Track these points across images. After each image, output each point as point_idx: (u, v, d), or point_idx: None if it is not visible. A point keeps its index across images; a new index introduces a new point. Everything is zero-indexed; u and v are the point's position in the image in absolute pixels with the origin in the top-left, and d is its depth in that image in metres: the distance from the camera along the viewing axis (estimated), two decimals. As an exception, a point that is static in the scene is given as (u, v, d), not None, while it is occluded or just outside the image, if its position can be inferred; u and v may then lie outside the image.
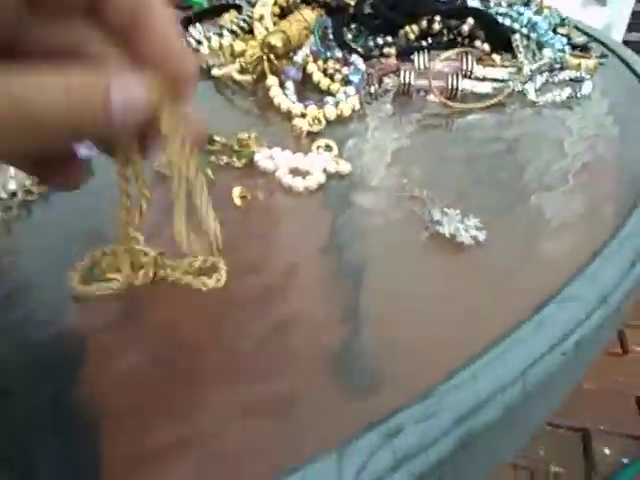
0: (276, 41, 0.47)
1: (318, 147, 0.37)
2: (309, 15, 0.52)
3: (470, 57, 0.47)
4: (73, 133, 0.18)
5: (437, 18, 0.53)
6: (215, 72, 0.49)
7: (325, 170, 0.35)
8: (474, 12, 0.52)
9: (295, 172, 0.35)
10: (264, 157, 0.36)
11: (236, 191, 0.32)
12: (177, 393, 0.22)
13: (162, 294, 0.26)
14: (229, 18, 0.58)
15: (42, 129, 0.17)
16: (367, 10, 0.54)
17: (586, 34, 0.67)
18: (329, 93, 0.46)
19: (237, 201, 0.32)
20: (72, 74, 0.18)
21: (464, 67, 0.47)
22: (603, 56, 0.57)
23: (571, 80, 0.51)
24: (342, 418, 0.20)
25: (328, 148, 0.37)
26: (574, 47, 0.57)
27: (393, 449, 0.19)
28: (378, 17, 0.54)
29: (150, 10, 0.20)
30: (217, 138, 0.38)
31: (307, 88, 0.48)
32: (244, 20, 0.57)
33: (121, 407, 0.21)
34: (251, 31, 0.55)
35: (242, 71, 0.49)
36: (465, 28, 0.51)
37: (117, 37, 0.20)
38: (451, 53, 0.45)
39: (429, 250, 0.30)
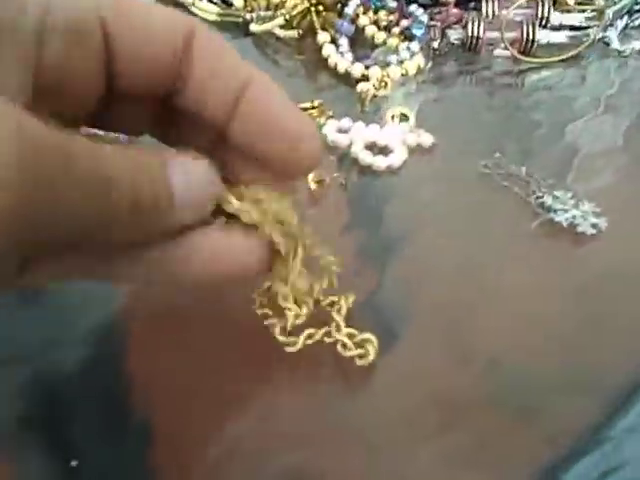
0: (323, -9, 0.42)
1: (393, 116, 0.32)
2: (356, -41, 0.46)
3: (546, 2, 0.41)
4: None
5: (500, -43, 0.47)
6: (254, 28, 0.44)
7: (405, 143, 0.30)
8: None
9: (372, 147, 0.30)
10: (333, 130, 0.31)
11: (311, 174, 0.28)
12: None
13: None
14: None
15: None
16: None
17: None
18: (385, 48, 0.41)
19: (312, 186, 0.28)
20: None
21: (539, 14, 0.41)
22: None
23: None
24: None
25: (404, 118, 0.32)
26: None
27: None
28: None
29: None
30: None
31: (359, 43, 0.43)
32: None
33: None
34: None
35: (285, 26, 0.44)
36: (534, -31, 0.45)
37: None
38: (519, 4, 0.40)
39: (543, 242, 0.26)
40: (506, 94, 0.38)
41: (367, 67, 0.38)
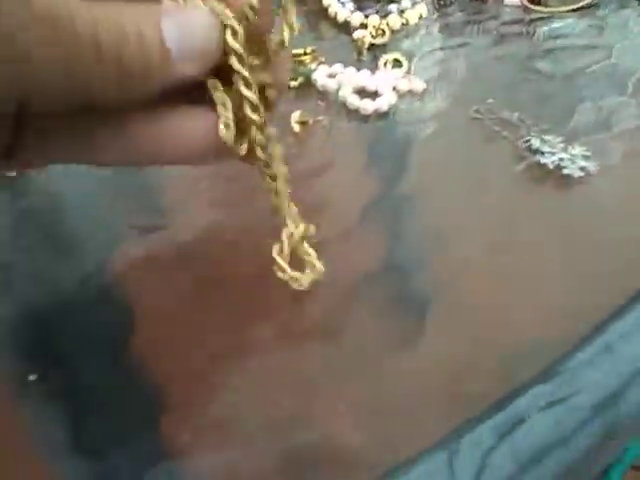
0: None
1: (385, 63, 0.32)
2: None
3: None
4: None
5: None
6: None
7: (395, 89, 0.30)
8: None
9: (361, 92, 0.30)
10: (323, 75, 0.31)
11: (295, 115, 0.27)
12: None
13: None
14: None
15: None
16: None
17: None
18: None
19: (296, 127, 0.27)
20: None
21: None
22: None
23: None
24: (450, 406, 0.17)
25: (397, 63, 0.32)
26: None
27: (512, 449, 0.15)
28: None
29: None
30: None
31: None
32: None
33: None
34: None
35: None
36: None
37: None
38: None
39: (529, 185, 0.25)
40: (513, 44, 0.37)
41: (367, 16, 0.37)
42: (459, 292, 0.21)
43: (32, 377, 0.18)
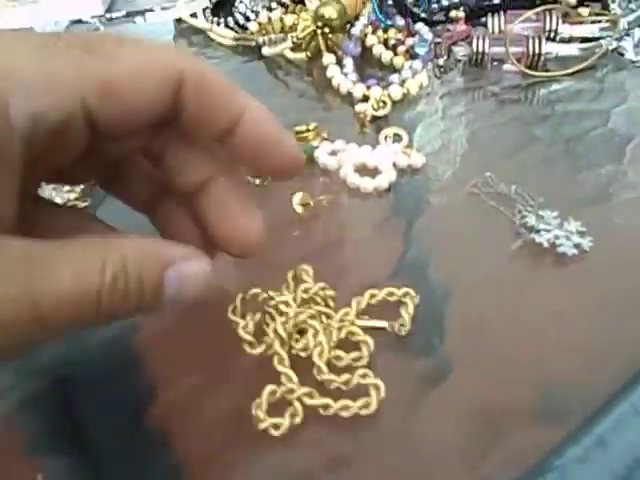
0: (330, 13, 0.42)
1: (386, 137, 0.33)
2: (366, -20, 0.47)
3: (554, 15, 0.41)
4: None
5: (511, -30, 0.46)
6: (265, 51, 0.45)
7: (395, 165, 0.31)
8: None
9: (362, 169, 0.31)
10: (325, 153, 0.32)
11: (297, 197, 0.28)
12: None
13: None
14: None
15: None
16: (430, -32, 0.48)
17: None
18: (392, 67, 0.42)
19: (298, 209, 0.28)
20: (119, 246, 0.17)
21: (547, 27, 0.41)
22: None
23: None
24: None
25: (397, 137, 0.33)
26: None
27: None
28: (443, -25, 0.47)
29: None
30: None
31: (367, 63, 0.43)
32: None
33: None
34: (302, 1, 0.50)
35: (295, 48, 0.45)
36: (545, -20, 0.45)
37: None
38: (530, 13, 0.40)
39: (523, 263, 0.25)
40: (512, 109, 0.38)
41: (369, 87, 0.38)
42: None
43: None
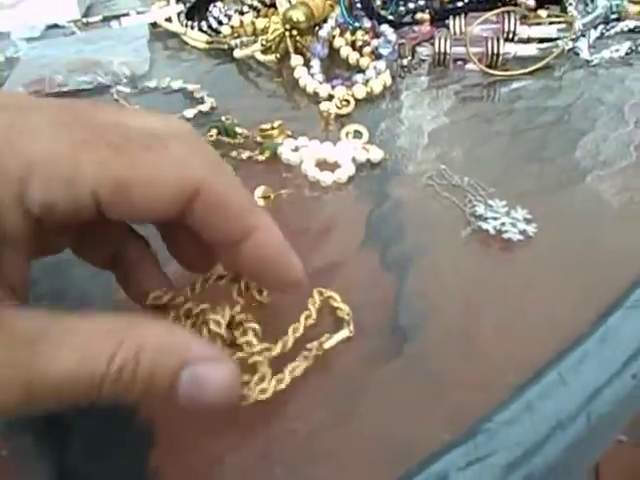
0: (298, 15, 0.44)
1: (347, 134, 0.34)
2: (334, -17, 0.48)
3: (512, 17, 0.42)
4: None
5: (474, -26, 0.48)
6: (237, 53, 0.47)
7: (355, 160, 0.32)
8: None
9: (323, 164, 0.32)
10: (289, 149, 0.33)
11: (259, 191, 0.30)
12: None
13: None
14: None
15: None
16: (396, -29, 0.49)
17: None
18: (359, 68, 0.43)
19: (260, 202, 0.29)
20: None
21: (505, 29, 0.42)
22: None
23: (630, 31, 0.46)
24: (376, 463, 0.18)
25: (358, 134, 0.34)
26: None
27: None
28: (408, -21, 0.49)
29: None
30: (239, 130, 0.35)
31: (335, 64, 0.45)
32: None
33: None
34: (274, 5, 0.52)
35: (265, 50, 0.46)
36: (506, -17, 0.46)
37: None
38: (490, 14, 0.41)
39: (472, 249, 0.27)
40: (474, 106, 0.39)
41: (334, 87, 0.39)
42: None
43: None
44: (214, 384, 0.16)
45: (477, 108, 0.39)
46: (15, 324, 0.15)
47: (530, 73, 0.42)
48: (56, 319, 0.15)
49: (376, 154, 0.32)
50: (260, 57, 0.46)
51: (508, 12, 0.43)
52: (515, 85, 0.42)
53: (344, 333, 0.22)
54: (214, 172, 0.18)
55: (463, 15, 0.44)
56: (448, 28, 0.43)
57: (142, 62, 0.47)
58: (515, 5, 0.46)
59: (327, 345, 0.21)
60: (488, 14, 0.41)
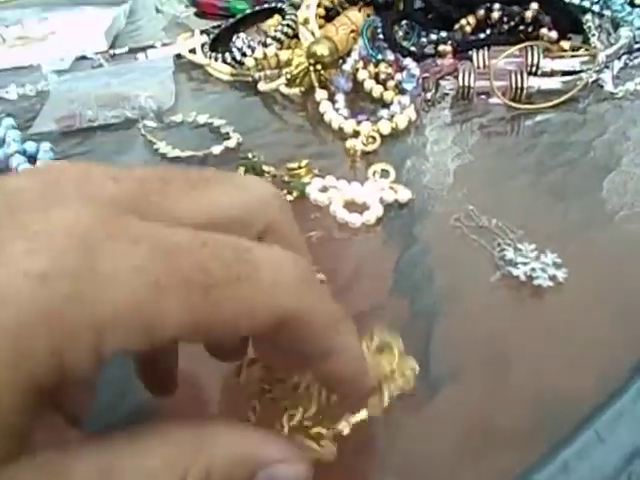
0: (322, 50, 0.44)
1: (374, 173, 0.34)
2: (356, 16, 0.49)
3: (535, 50, 0.42)
4: None
5: (496, 6, 0.48)
6: (262, 86, 0.47)
7: (382, 200, 0.32)
8: (537, -4, 0.48)
9: (351, 205, 0.32)
10: (316, 189, 0.33)
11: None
12: None
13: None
14: (273, 23, 0.56)
15: None
16: (418, 4, 0.50)
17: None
18: (383, 102, 0.43)
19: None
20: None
21: (529, 62, 0.42)
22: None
23: (654, 62, 0.46)
24: None
25: (385, 173, 0.34)
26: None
27: None
28: (431, 11, 0.50)
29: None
30: (266, 169, 0.36)
31: (359, 97, 0.45)
32: (288, 25, 0.54)
33: None
34: (297, 35, 0.52)
35: (289, 83, 0.47)
36: (528, 14, 0.47)
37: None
38: (513, 49, 0.41)
39: (501, 295, 0.27)
40: (498, 141, 0.39)
41: (359, 122, 0.40)
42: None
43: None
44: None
45: (501, 143, 0.39)
46: (74, 470, 0.13)
47: (554, 106, 0.42)
48: (118, 454, 0.14)
49: (404, 195, 0.33)
50: (285, 90, 0.47)
51: (532, 46, 0.43)
52: (539, 118, 0.42)
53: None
54: (304, 294, 0.16)
55: (486, 48, 0.44)
56: (471, 61, 0.44)
57: (168, 95, 0.48)
58: (537, 38, 0.46)
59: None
60: (512, 49, 0.42)
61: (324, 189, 0.34)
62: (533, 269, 0.27)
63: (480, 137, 0.40)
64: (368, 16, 0.50)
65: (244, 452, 0.15)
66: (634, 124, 0.40)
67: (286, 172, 0.35)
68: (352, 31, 0.47)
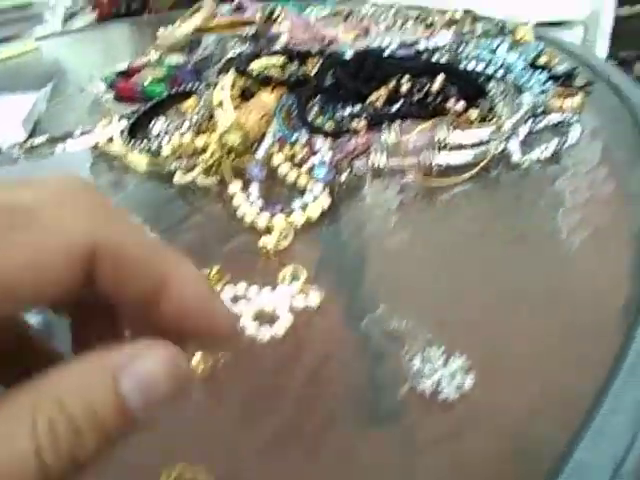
0: (233, 140, 0.44)
1: (284, 277, 0.34)
2: (269, 99, 0.49)
3: (444, 125, 0.43)
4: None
5: (405, 78, 0.49)
6: (177, 179, 0.47)
7: (292, 308, 0.32)
8: (443, 67, 0.49)
9: (261, 316, 0.32)
10: (228, 299, 0.33)
11: (196, 357, 0.29)
12: None
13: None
14: (190, 105, 0.56)
15: None
16: (330, 81, 0.51)
17: (568, 52, 0.63)
18: (298, 187, 0.43)
19: (199, 369, 0.29)
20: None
21: (437, 138, 0.43)
22: (588, 84, 0.53)
23: (557, 125, 0.47)
24: None
25: (296, 275, 0.34)
26: (557, 78, 0.54)
27: None
28: (342, 87, 0.50)
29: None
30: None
31: (275, 182, 0.45)
32: (204, 107, 0.54)
33: None
34: (212, 116, 0.52)
35: (205, 172, 0.46)
36: (435, 86, 0.48)
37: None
38: (422, 127, 0.42)
39: (409, 412, 0.27)
40: (412, 222, 0.40)
41: (273, 215, 0.39)
42: None
43: None
44: (159, 374, 0.15)
45: (417, 224, 0.40)
46: None
47: (467, 180, 0.42)
48: None
49: (314, 299, 0.32)
50: (201, 181, 0.46)
51: (440, 121, 0.44)
52: (456, 190, 0.42)
53: None
54: (105, 225, 0.16)
55: (397, 124, 0.44)
56: (383, 139, 0.44)
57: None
58: (445, 109, 0.47)
59: None
60: (420, 127, 0.42)
61: (235, 299, 0.33)
62: (439, 381, 0.27)
63: (396, 219, 0.40)
64: (281, 95, 0.51)
65: (95, 367, 0.15)
66: (540, 194, 0.41)
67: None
68: (264, 115, 0.47)
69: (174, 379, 0.15)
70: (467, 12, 0.78)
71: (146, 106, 0.58)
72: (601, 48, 1.37)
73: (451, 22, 0.75)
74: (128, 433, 0.15)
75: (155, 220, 0.42)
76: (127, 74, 0.64)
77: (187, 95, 0.57)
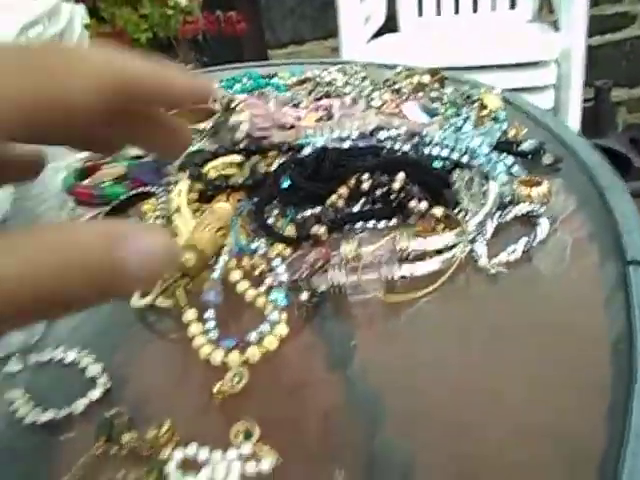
0: (187, 262, 0.42)
1: (237, 433, 0.32)
2: (225, 208, 0.47)
3: (405, 234, 0.41)
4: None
5: (365, 176, 0.48)
6: (134, 302, 0.45)
7: (244, 477, 0.30)
8: (403, 163, 0.47)
9: None
10: (175, 466, 0.30)
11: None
12: None
13: None
14: (149, 208, 0.54)
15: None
16: (286, 184, 0.49)
17: (536, 121, 0.61)
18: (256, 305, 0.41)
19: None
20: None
21: (399, 248, 0.41)
22: (557, 161, 0.52)
23: (525, 215, 0.45)
24: None
25: (248, 436, 0.32)
26: (524, 155, 0.52)
27: None
28: (299, 190, 0.49)
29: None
30: (126, 437, 0.33)
31: (233, 301, 0.43)
32: (162, 208, 0.52)
33: None
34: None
35: (163, 292, 0.44)
36: (396, 185, 0.46)
37: None
38: (379, 245, 0.40)
39: None
40: (371, 344, 0.38)
41: (228, 351, 0.37)
42: None
43: None
44: (155, 248, 0.17)
45: (381, 343, 0.37)
46: None
47: (432, 291, 0.40)
48: None
49: (266, 462, 0.30)
50: (159, 304, 0.44)
51: (400, 230, 0.42)
52: (422, 302, 0.40)
53: None
54: (122, 62, 0.20)
55: (356, 237, 0.43)
56: (342, 253, 0.42)
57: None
58: (408, 209, 0.45)
59: None
60: (379, 243, 0.40)
61: (183, 466, 0.31)
62: None
63: (359, 341, 0.38)
64: (239, 200, 0.49)
65: (102, 230, 0.17)
66: (508, 303, 0.39)
67: (146, 442, 0.32)
68: (220, 228, 0.45)
69: (167, 254, 0.17)
70: (435, 74, 0.78)
71: (105, 209, 0.56)
72: (576, 81, 1.37)
73: (419, 86, 0.75)
74: (122, 293, 0.17)
75: (112, 348, 0.40)
76: (87, 172, 0.63)
77: (146, 197, 0.55)
